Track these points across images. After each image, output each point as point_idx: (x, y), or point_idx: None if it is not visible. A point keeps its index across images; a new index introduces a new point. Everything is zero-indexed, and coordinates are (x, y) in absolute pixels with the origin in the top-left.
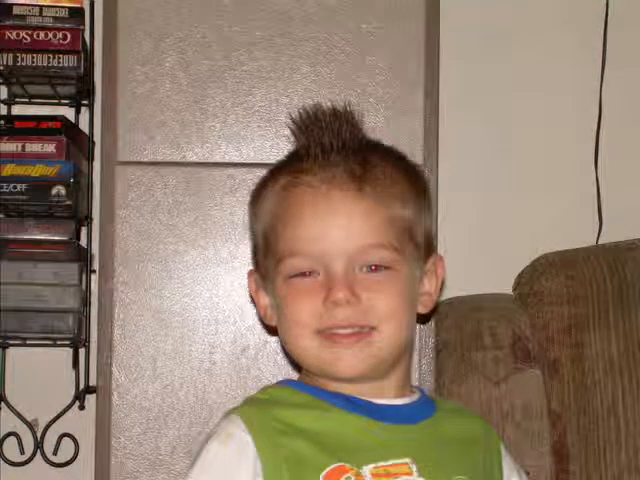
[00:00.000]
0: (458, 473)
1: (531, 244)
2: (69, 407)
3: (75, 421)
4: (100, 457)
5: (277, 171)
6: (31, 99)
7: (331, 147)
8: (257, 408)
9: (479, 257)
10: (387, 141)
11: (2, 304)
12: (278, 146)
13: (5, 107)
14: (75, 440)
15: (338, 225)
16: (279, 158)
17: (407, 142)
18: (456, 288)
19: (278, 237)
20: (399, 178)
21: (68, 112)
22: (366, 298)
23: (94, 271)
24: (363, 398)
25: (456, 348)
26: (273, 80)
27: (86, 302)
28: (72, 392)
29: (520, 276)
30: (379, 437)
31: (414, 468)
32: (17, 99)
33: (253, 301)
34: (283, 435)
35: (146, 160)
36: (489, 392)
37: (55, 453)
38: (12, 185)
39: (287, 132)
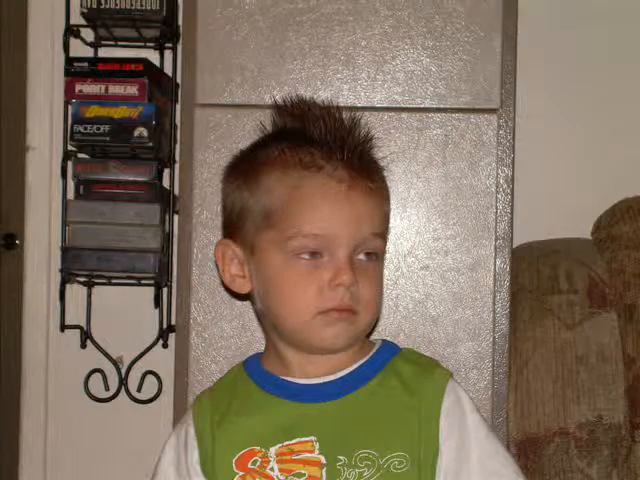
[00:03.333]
0: (365, 448)
1: (612, 188)
2: (153, 345)
3: (159, 359)
4: (179, 394)
5: (288, 152)
6: (117, 42)
7: (350, 146)
8: (207, 402)
9: (558, 201)
10: (465, 84)
11: (86, 243)
12: (355, 89)
13: (91, 50)
14: (159, 377)
15: (352, 216)
16: (356, 102)
17: (484, 85)
18: (534, 232)
19: (290, 217)
20: (384, 178)
21: (153, 55)
22: (360, 284)
23: (177, 212)
24: (295, 381)
25: (532, 291)
26: (351, 23)
27: (169, 243)
28: (156, 330)
29: (599, 220)
30: (294, 418)
31: (317, 445)
32: (103, 42)
33: (217, 267)
34: (217, 426)
35: (225, 103)
36: (564, 336)
37: (139, 390)
38: (95, 126)
39: (364, 76)
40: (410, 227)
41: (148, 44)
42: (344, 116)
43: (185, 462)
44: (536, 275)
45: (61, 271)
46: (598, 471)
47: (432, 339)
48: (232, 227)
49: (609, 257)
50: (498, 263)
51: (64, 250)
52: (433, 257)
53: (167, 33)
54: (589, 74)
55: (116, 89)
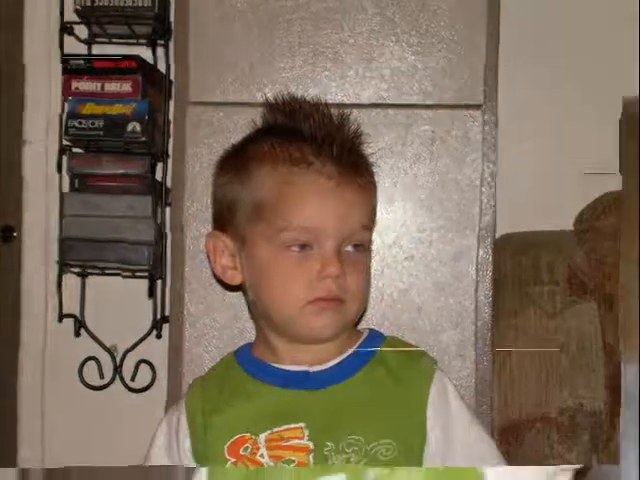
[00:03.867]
0: (352, 434)
1: (595, 182)
2: (147, 335)
3: (153, 349)
4: (172, 383)
5: (278, 147)
6: (110, 39)
7: (339, 143)
8: (198, 391)
9: (540, 195)
10: (450, 81)
11: (80, 234)
12: (344, 86)
13: (85, 48)
14: (152, 367)
15: (340, 210)
16: (344, 99)
17: (468, 82)
18: (517, 226)
19: (280, 210)
20: (373, 174)
21: (147, 52)
22: (347, 275)
23: (169, 204)
24: (285, 368)
25: (514, 282)
26: (338, 21)
27: (162, 235)
28: (150, 321)
29: (581, 214)
30: (283, 404)
31: (306, 432)
32: (97, 39)
33: (209, 259)
34: (209, 415)
35: (217, 100)
36: (545, 324)
37: (133, 379)
38: (90, 121)
39: (352, 73)
40: (396, 221)
41: (141, 41)
42: (333, 113)
43: (177, 449)
44: (518, 265)
45: (58, 262)
46: (577, 456)
47: (416, 327)
48: (223, 219)
49: (589, 248)
50: (481, 253)
51: (60, 242)
52: (418, 248)
53: (159, 30)
54: (572, 69)
55: (112, 87)
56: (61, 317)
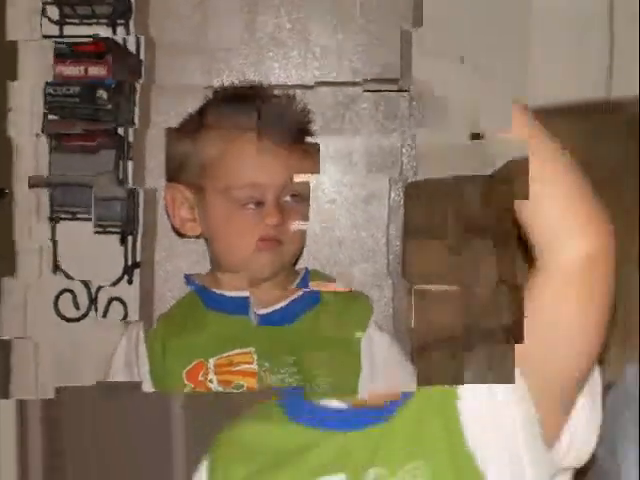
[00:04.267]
0: (291, 355)
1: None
2: (119, 280)
3: (124, 291)
4: (144, 320)
5: (230, 117)
6: (82, 20)
7: (285, 122)
8: (161, 323)
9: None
10: (378, 58)
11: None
12: (286, 67)
13: (57, 28)
14: (125, 304)
15: (281, 169)
16: (287, 80)
17: (392, 58)
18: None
19: (231, 170)
20: (317, 144)
21: (106, 32)
22: (287, 222)
23: (132, 159)
24: (229, 294)
25: (420, 226)
26: (277, 7)
27: (132, 191)
28: (121, 266)
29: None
30: (234, 330)
31: (255, 357)
32: (67, 20)
33: (167, 211)
34: (168, 341)
35: (181, 83)
36: (449, 259)
37: (105, 315)
38: (65, 88)
39: (295, 54)
40: (328, 177)
41: (102, 21)
42: (281, 94)
43: (136, 363)
44: (423, 209)
45: (50, 219)
46: (474, 374)
47: (337, 261)
48: (178, 174)
49: (487, 190)
50: (392, 196)
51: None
52: (340, 192)
53: (119, 9)
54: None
55: (94, 71)
56: (55, 267)
